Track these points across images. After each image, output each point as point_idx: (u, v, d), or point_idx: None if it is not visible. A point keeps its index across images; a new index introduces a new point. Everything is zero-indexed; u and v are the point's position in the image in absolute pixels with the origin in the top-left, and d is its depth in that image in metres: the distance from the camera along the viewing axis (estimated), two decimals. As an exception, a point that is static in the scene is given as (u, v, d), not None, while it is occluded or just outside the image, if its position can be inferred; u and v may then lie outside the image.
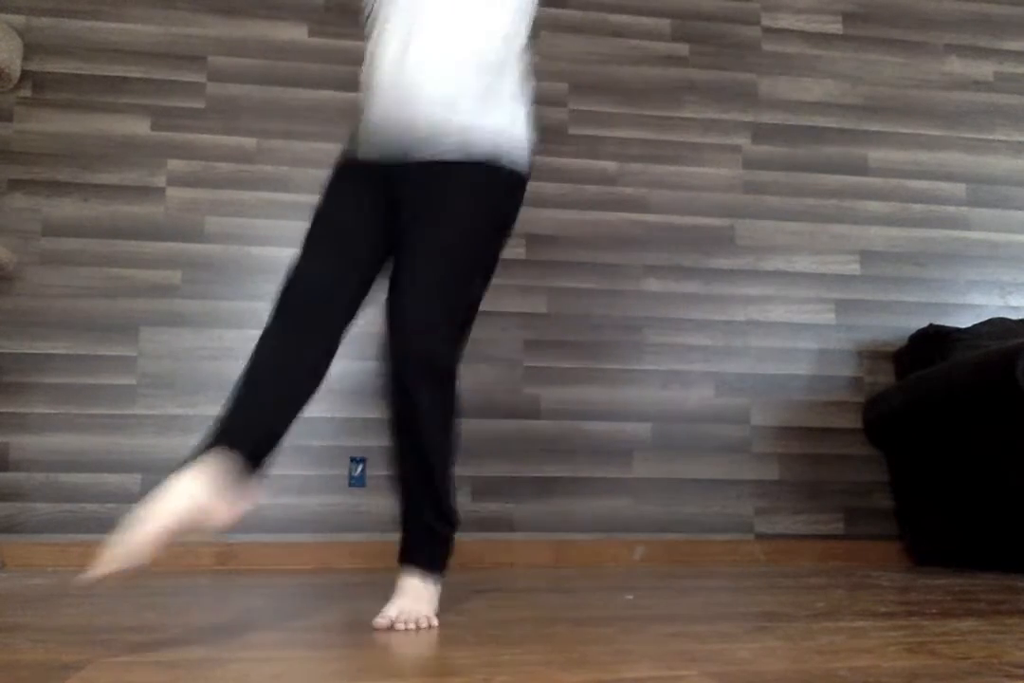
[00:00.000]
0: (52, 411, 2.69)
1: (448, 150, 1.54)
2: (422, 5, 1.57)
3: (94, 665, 1.09)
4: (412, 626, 1.42)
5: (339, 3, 3.03)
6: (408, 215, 1.54)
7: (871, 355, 3.14)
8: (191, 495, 1.26)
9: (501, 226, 1.62)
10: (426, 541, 1.56)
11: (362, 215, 1.56)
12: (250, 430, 1.38)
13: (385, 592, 1.55)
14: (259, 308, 2.53)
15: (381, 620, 1.44)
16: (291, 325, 1.46)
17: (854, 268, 3.19)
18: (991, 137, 3.37)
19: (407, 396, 1.47)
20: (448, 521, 1.57)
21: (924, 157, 3.31)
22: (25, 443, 2.67)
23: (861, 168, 3.27)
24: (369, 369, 2.46)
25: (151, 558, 1.19)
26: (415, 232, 1.52)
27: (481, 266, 1.59)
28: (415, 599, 1.49)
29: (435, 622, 1.46)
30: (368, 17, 1.68)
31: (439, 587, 1.57)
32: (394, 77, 1.55)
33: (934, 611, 1.61)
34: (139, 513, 1.22)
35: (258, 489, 1.36)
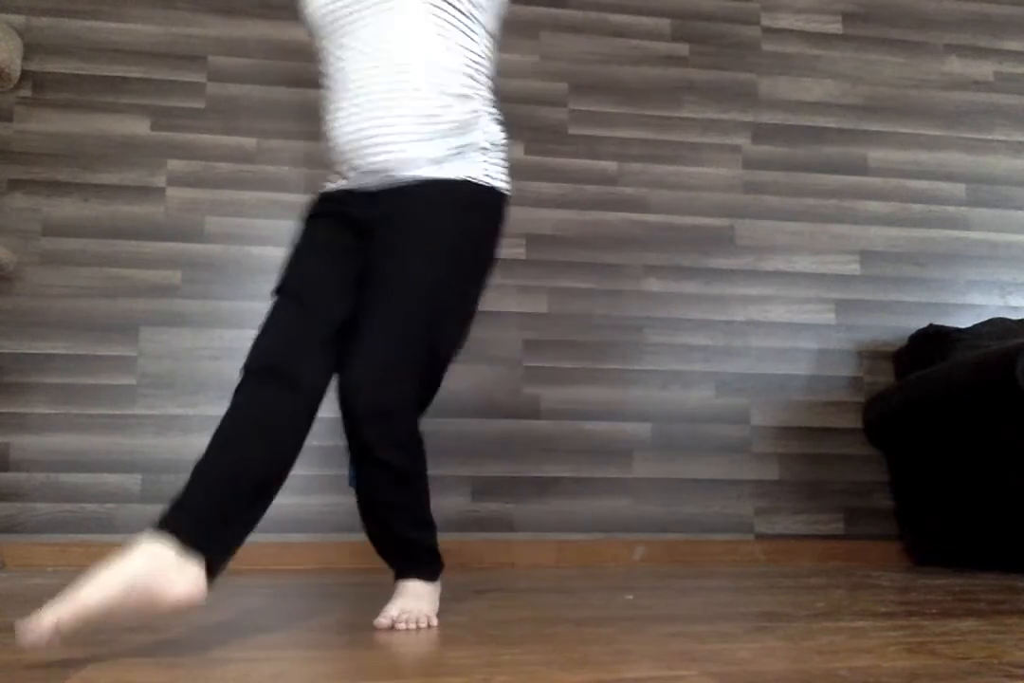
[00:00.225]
0: (52, 411, 2.69)
1: (418, 177, 1.48)
2: (376, 45, 1.50)
3: (94, 665, 1.09)
4: (413, 626, 1.42)
5: (339, 3, 3.02)
6: (376, 247, 1.48)
7: (871, 355, 3.14)
8: (131, 575, 1.11)
9: (479, 253, 1.54)
10: (416, 555, 1.55)
11: (333, 267, 1.47)
12: (203, 515, 1.22)
13: (385, 592, 1.55)
14: (259, 308, 2.52)
15: (382, 620, 1.44)
16: (265, 387, 1.35)
17: (854, 268, 3.19)
18: (991, 137, 3.37)
19: (367, 458, 1.43)
20: (428, 529, 1.55)
21: (924, 157, 3.31)
22: (25, 443, 2.67)
23: (861, 168, 3.26)
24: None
25: (81, 630, 1.08)
26: (378, 269, 1.45)
27: (457, 301, 1.50)
28: (416, 598, 1.50)
29: (435, 622, 1.46)
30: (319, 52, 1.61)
31: (439, 584, 1.58)
32: (351, 121, 1.49)
33: (934, 611, 1.61)
34: (78, 585, 1.09)
35: (204, 583, 1.18)
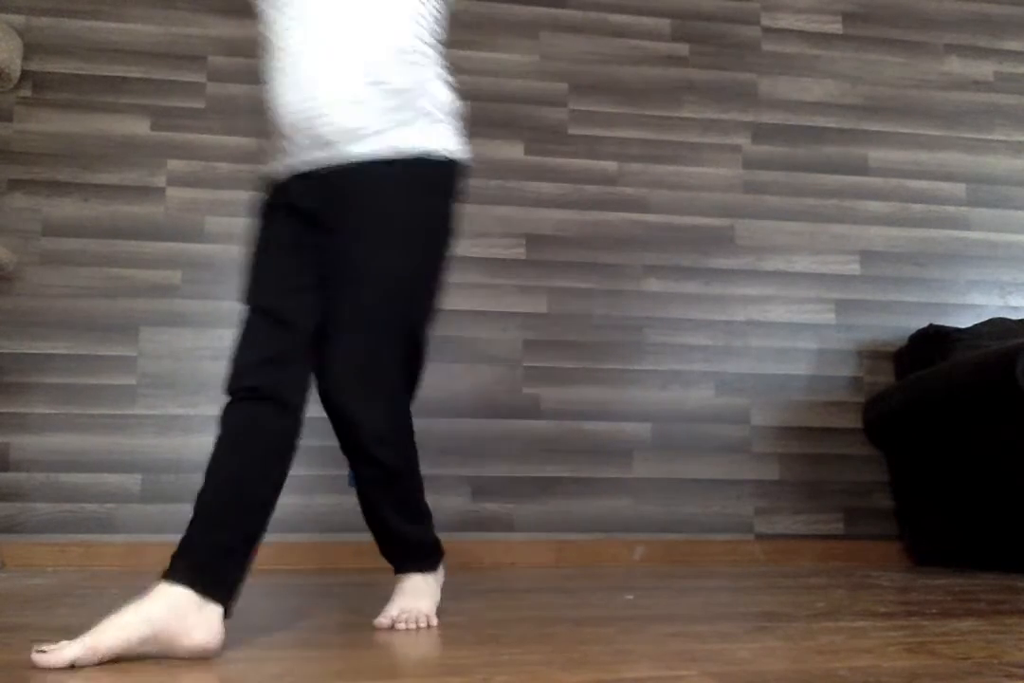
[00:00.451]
0: (52, 411, 2.69)
1: (363, 152, 1.40)
2: (319, 7, 1.41)
3: (94, 665, 1.09)
4: (413, 626, 1.42)
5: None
6: (334, 236, 1.41)
7: (871, 355, 3.14)
8: (152, 620, 1.13)
9: (440, 231, 1.48)
10: (414, 548, 1.55)
11: (297, 269, 1.40)
12: (215, 561, 1.21)
13: (386, 592, 1.55)
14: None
15: (382, 620, 1.44)
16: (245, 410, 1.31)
17: (854, 268, 3.19)
18: (991, 137, 3.37)
19: (360, 457, 1.45)
20: (425, 520, 1.55)
21: (924, 157, 3.31)
22: (25, 443, 2.67)
23: (861, 168, 3.26)
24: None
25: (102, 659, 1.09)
26: (341, 260, 1.39)
27: (425, 284, 1.46)
28: (415, 597, 1.49)
29: (435, 621, 1.46)
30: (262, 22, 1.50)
31: (440, 575, 1.58)
32: (294, 89, 1.40)
33: (934, 611, 1.61)
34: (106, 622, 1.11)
35: (221, 627, 1.18)
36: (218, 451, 1.29)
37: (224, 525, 1.23)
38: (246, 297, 1.41)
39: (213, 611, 1.17)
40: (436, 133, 1.46)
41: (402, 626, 1.42)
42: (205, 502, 1.25)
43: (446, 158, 1.46)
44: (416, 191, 1.43)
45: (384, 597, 1.52)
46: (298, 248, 1.41)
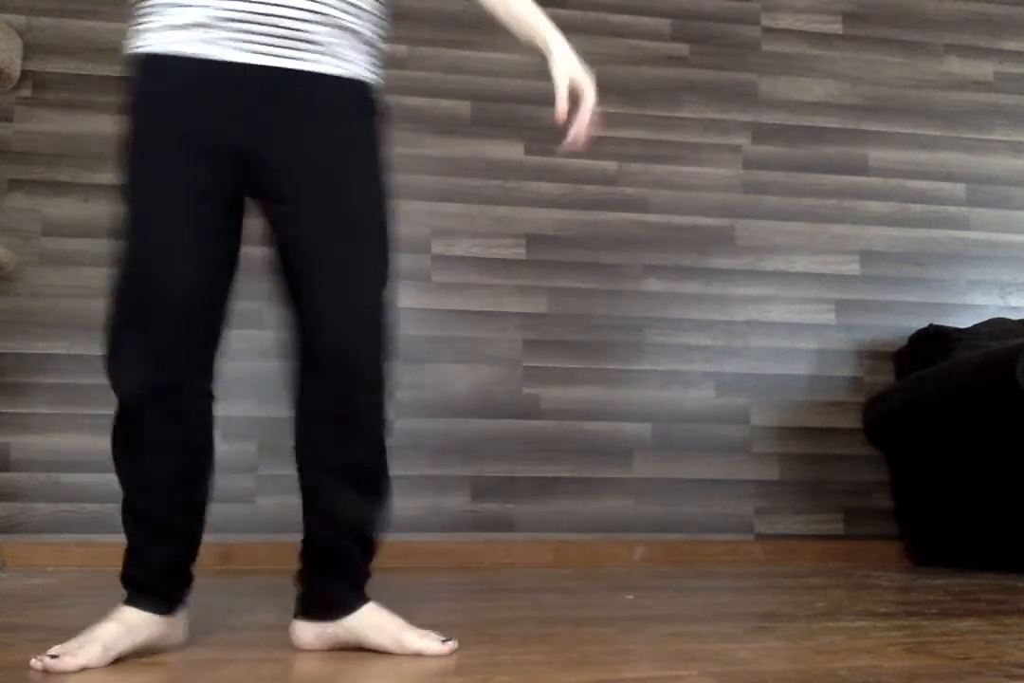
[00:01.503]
0: (52, 411, 2.69)
1: (311, 71, 1.24)
2: None
3: (94, 664, 1.09)
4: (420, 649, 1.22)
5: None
6: (284, 170, 1.23)
7: (871, 355, 3.14)
8: (130, 637, 1.16)
9: (387, 169, 1.33)
10: (348, 578, 1.29)
11: (200, 234, 1.23)
12: (165, 581, 1.23)
13: (385, 592, 1.54)
14: (259, 308, 2.52)
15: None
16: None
17: (854, 268, 3.19)
18: (991, 137, 3.37)
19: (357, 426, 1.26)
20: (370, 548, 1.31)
21: (924, 157, 3.31)
22: (26, 443, 2.67)
23: (861, 168, 3.27)
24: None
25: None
26: (305, 198, 1.24)
27: (388, 225, 1.31)
28: (380, 635, 1.24)
29: (424, 642, 1.23)
30: None
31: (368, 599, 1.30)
32: None
33: (934, 611, 1.61)
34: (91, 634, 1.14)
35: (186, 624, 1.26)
36: (139, 459, 1.25)
37: (166, 543, 1.25)
38: (127, 275, 1.27)
39: (180, 617, 1.25)
40: (375, 63, 1.36)
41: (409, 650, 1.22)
42: (140, 517, 1.25)
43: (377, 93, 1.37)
44: (372, 124, 1.34)
45: (383, 597, 1.52)
46: (211, 207, 1.29)
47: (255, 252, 1.33)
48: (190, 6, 1.22)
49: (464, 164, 3.04)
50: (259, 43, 1.23)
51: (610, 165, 3.11)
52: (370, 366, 1.26)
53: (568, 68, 1.39)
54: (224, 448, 2.48)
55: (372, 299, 1.27)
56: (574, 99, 1.38)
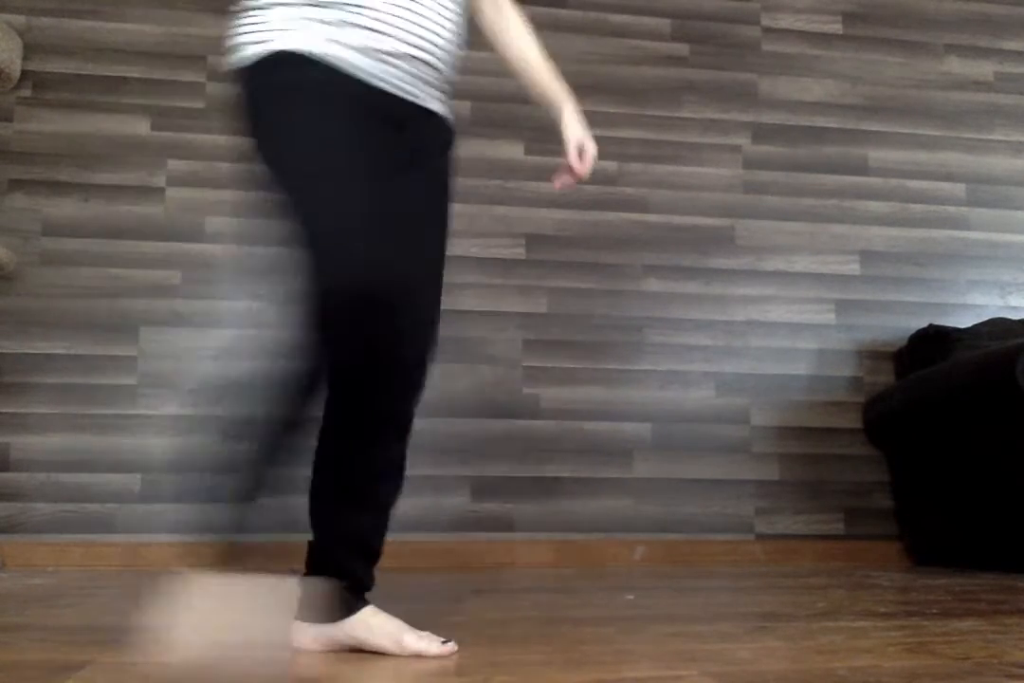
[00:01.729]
0: (52, 411, 2.69)
1: (430, 106, 1.37)
2: None
3: (94, 665, 1.09)
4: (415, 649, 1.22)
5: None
6: (423, 171, 1.38)
7: (871, 355, 3.14)
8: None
9: None
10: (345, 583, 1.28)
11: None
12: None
13: (385, 592, 1.54)
14: (259, 308, 2.52)
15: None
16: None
17: (854, 268, 3.19)
18: (991, 137, 3.37)
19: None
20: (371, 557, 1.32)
21: (924, 157, 3.31)
22: (25, 443, 2.67)
23: (861, 168, 3.27)
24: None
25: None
26: (427, 196, 1.42)
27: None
28: (379, 636, 1.24)
29: (423, 643, 1.22)
30: None
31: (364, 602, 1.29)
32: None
33: (934, 611, 1.61)
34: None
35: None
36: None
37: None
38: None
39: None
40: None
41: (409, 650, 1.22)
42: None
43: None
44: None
45: (384, 598, 1.52)
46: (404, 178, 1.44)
47: (255, 252, 1.33)
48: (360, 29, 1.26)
49: (464, 164, 3.03)
50: (406, 82, 1.32)
51: (610, 165, 3.11)
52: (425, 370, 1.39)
53: (576, 132, 1.53)
54: (226, 449, 2.48)
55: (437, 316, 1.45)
56: (579, 155, 1.51)
